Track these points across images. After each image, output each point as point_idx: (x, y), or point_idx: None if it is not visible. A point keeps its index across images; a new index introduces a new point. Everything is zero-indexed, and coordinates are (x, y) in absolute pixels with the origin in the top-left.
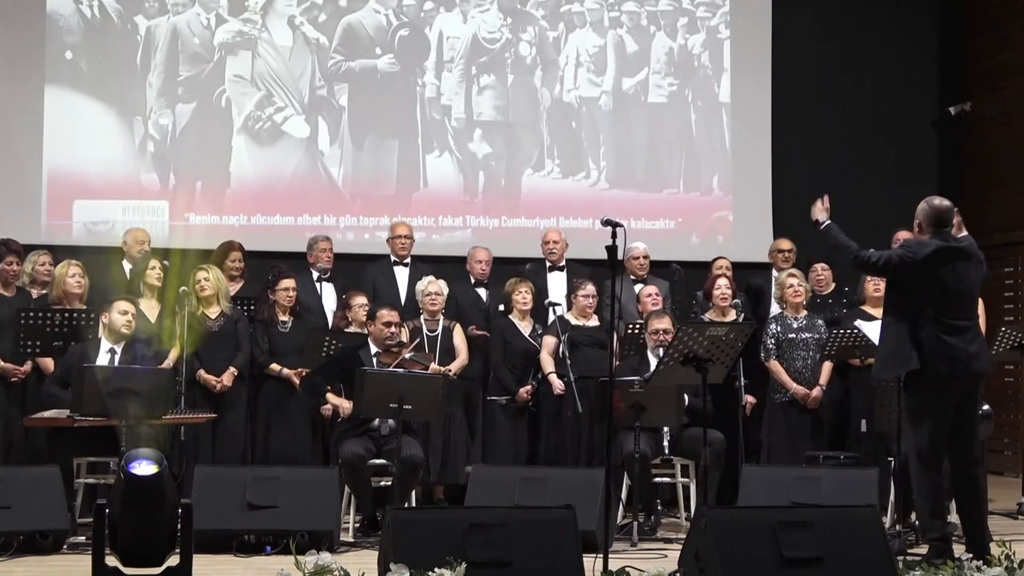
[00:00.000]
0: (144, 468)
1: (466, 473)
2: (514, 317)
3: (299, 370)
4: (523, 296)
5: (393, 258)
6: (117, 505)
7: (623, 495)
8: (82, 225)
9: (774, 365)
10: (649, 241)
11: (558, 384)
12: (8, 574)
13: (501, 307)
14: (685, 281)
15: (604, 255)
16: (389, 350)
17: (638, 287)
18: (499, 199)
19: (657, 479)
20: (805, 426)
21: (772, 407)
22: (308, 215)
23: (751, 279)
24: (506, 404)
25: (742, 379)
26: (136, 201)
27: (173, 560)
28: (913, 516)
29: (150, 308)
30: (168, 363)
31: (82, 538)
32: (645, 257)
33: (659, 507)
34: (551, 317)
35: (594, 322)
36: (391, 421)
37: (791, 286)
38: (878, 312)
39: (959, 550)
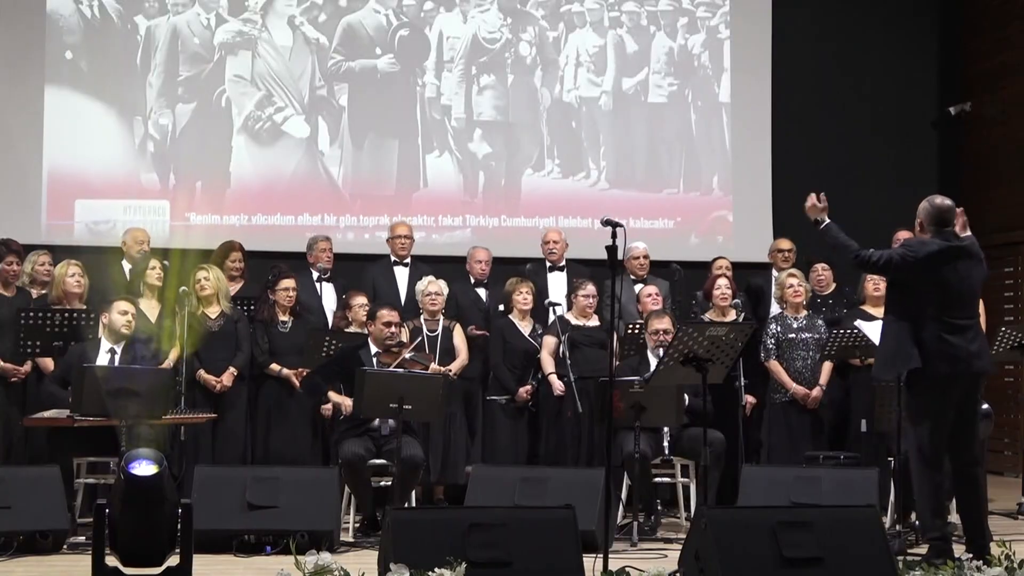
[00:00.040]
0: (144, 468)
1: (466, 473)
2: (514, 317)
3: (299, 370)
4: (524, 296)
5: (393, 258)
6: (117, 505)
7: (623, 495)
8: (83, 225)
9: (774, 365)
10: (649, 241)
11: (558, 385)
12: (8, 574)
13: (501, 307)
14: (685, 281)
15: (604, 255)
16: (389, 350)
17: (638, 287)
18: (499, 199)
19: (657, 479)
20: (805, 426)
21: (772, 407)
22: (308, 214)
23: (751, 279)
24: (506, 404)
25: (742, 379)
26: (137, 201)
27: (173, 560)
28: (913, 516)
29: (150, 308)
30: (168, 363)
31: (82, 538)
32: (645, 257)
33: (659, 507)
34: (551, 317)
35: (594, 322)
36: (391, 421)
37: (791, 286)
38: (878, 312)
39: (959, 550)
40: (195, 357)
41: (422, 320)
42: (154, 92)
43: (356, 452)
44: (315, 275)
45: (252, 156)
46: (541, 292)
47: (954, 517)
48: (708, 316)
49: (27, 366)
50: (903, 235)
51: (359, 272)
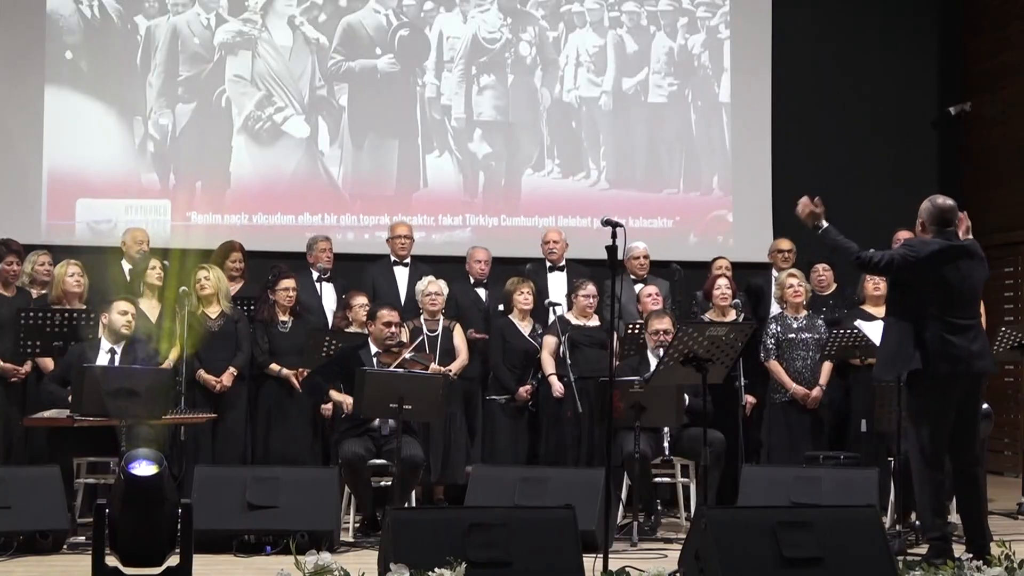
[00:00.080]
0: (144, 468)
1: (466, 473)
2: (514, 317)
3: (299, 370)
4: (524, 296)
5: (393, 258)
6: (117, 505)
7: (623, 495)
8: (85, 224)
9: (774, 365)
10: (649, 241)
11: (557, 387)
12: (8, 574)
13: (501, 307)
14: (685, 281)
15: (604, 255)
16: (389, 350)
17: (638, 287)
18: (499, 199)
19: (657, 479)
20: (805, 426)
21: (772, 407)
22: (309, 214)
23: (751, 279)
24: (505, 403)
25: (742, 379)
26: (138, 200)
27: (173, 560)
28: (913, 516)
29: (150, 308)
30: (168, 363)
31: (82, 538)
32: (645, 257)
33: (659, 507)
34: (551, 317)
35: (594, 322)
36: (391, 421)
37: (791, 286)
38: (878, 312)
39: (959, 550)
40: (195, 357)
41: (422, 320)
42: (154, 92)
43: (356, 452)
44: (315, 275)
45: (252, 156)
46: (541, 292)
47: (954, 517)
48: (708, 316)
49: (27, 366)
50: (903, 235)
51: (359, 272)
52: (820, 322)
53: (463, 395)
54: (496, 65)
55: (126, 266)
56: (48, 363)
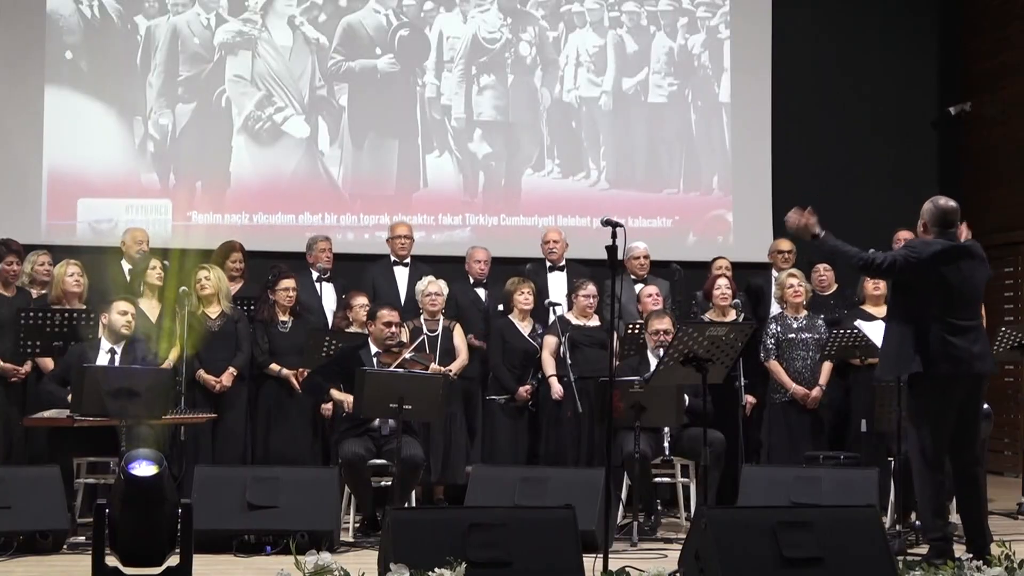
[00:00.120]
0: (144, 469)
1: (466, 473)
2: (514, 317)
3: (299, 370)
4: (525, 296)
5: (393, 258)
6: (117, 505)
7: (623, 495)
8: (86, 224)
9: (774, 365)
10: (649, 241)
11: (557, 390)
12: (8, 574)
13: (500, 307)
14: (685, 281)
15: (604, 255)
16: (389, 350)
17: (638, 287)
18: (499, 199)
19: (657, 479)
20: (805, 426)
21: (772, 407)
22: (309, 213)
23: (751, 279)
24: (505, 403)
25: (742, 379)
26: (139, 200)
27: (173, 560)
28: (913, 516)
29: (150, 308)
30: (168, 363)
31: (82, 538)
32: (646, 257)
33: (659, 507)
34: (551, 317)
35: (595, 322)
36: (391, 421)
37: (791, 286)
38: (878, 311)
39: (959, 550)
40: (195, 357)
41: (422, 320)
42: (154, 92)
43: (356, 452)
44: (315, 275)
45: (252, 156)
46: (541, 292)
47: (954, 517)
48: (708, 316)
49: (27, 366)
50: (903, 235)
51: (359, 272)
52: (820, 322)
53: (463, 395)
54: (496, 65)
55: (126, 266)
56: (48, 363)
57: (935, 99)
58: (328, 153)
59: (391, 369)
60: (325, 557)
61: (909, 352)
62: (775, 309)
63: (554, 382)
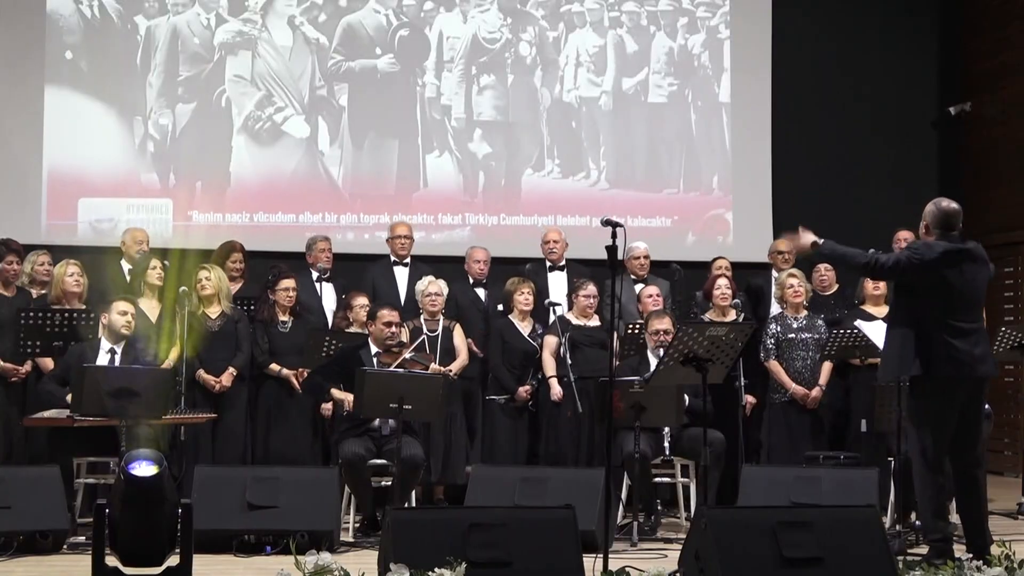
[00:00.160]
0: (144, 469)
1: (466, 473)
2: (514, 317)
3: (299, 370)
4: (525, 296)
5: (393, 258)
6: (117, 505)
7: (623, 495)
8: (87, 224)
9: (774, 365)
10: (649, 241)
11: (556, 391)
12: (8, 574)
13: (500, 307)
14: (685, 281)
15: (604, 255)
16: (389, 350)
17: (639, 287)
18: (499, 199)
19: (657, 479)
20: (805, 426)
21: (772, 407)
22: (309, 213)
23: (751, 279)
24: (505, 403)
25: (742, 379)
26: (140, 199)
27: (173, 560)
28: (913, 516)
29: (150, 308)
30: (168, 363)
31: (82, 538)
32: (646, 257)
33: (659, 507)
34: (552, 317)
35: (595, 322)
36: (391, 421)
37: (791, 286)
38: (878, 311)
39: (959, 550)
40: (195, 357)
41: (422, 320)
42: (154, 92)
43: (356, 452)
44: (315, 275)
45: (252, 156)
46: (541, 292)
47: (954, 518)
48: (708, 316)
49: (27, 366)
50: (904, 235)
51: (359, 272)
52: (820, 322)
53: (463, 395)
54: (496, 65)
55: (126, 266)
56: (48, 363)
57: (935, 99)
58: (328, 153)
59: (391, 369)
60: (325, 557)
61: (910, 355)
62: (775, 309)
63: (554, 383)
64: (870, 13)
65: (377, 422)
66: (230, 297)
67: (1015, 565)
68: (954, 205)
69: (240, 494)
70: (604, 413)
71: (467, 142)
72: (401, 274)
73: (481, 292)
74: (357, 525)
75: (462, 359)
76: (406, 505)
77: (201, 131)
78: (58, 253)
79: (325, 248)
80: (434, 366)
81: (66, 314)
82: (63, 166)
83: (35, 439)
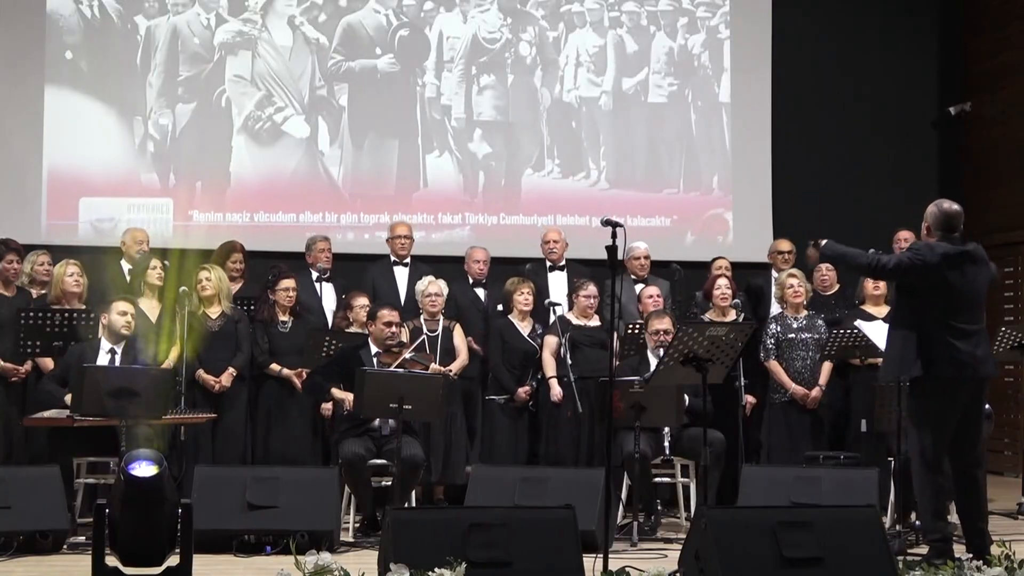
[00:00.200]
0: (144, 469)
1: (466, 473)
2: (514, 317)
3: (299, 370)
4: (525, 296)
5: (393, 258)
6: (117, 505)
7: (623, 495)
8: (86, 224)
9: (774, 365)
10: (648, 241)
11: (556, 392)
12: (8, 574)
13: (500, 307)
14: (685, 281)
15: (604, 255)
16: (390, 350)
17: (639, 287)
18: (499, 199)
19: (657, 479)
20: (805, 426)
21: (772, 407)
22: (309, 213)
23: (751, 279)
24: (505, 404)
25: (742, 379)
26: (140, 199)
27: (173, 560)
28: (913, 516)
29: (150, 308)
30: (168, 363)
31: (82, 538)
32: (646, 257)
33: (659, 507)
34: (552, 317)
35: (595, 322)
36: (391, 421)
37: (791, 286)
38: (878, 311)
39: (959, 550)
40: (195, 358)
41: (422, 320)
42: (154, 92)
43: (356, 452)
44: (314, 275)
45: (252, 156)
46: (541, 292)
47: (954, 518)
48: (708, 316)
49: (27, 366)
50: (904, 235)
51: (359, 272)
52: (820, 322)
53: (463, 395)
54: (496, 65)
55: (126, 266)
56: (48, 363)
57: (935, 99)
58: (328, 153)
59: (391, 369)
60: (325, 557)
61: (910, 356)
62: (775, 309)
63: (554, 384)
64: (870, 13)
65: (377, 422)
66: (230, 297)
67: (1015, 565)
68: (955, 207)
69: (240, 494)
70: (604, 413)
71: (467, 142)
72: (401, 274)
73: (481, 292)
74: (357, 525)
75: (462, 359)
76: (406, 505)
77: (201, 131)
78: (58, 253)
79: (325, 248)
80: (434, 366)
81: (66, 314)
82: (63, 166)
83: (35, 439)
